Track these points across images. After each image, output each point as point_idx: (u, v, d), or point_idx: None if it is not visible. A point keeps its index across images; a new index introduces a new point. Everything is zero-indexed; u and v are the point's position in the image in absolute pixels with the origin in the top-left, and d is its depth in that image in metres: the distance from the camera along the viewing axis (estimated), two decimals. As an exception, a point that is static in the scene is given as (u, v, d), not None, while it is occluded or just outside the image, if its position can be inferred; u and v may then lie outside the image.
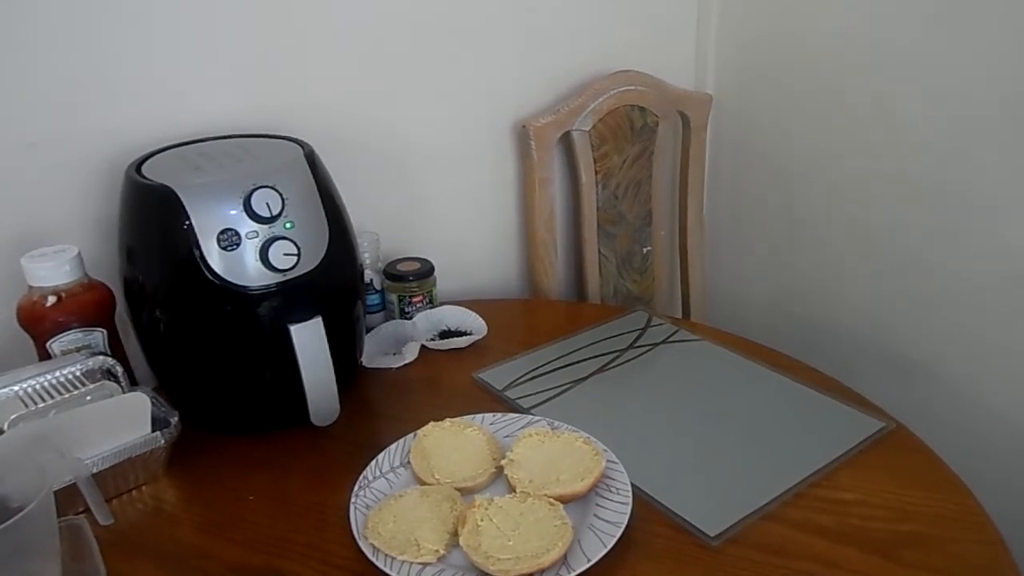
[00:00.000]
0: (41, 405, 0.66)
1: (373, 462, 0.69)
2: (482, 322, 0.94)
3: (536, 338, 0.92)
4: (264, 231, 0.68)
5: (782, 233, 1.22)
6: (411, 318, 0.95)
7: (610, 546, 0.58)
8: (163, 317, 0.71)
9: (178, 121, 0.83)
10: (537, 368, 0.86)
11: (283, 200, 0.69)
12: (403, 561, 0.58)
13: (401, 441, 0.71)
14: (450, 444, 0.70)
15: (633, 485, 0.65)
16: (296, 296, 0.70)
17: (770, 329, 1.25)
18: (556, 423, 0.73)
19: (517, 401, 0.80)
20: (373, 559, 0.58)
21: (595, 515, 0.62)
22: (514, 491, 0.64)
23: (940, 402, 1.02)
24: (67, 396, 0.67)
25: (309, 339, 0.69)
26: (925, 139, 0.98)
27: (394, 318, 0.97)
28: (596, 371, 0.85)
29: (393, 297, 0.96)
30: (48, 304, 0.72)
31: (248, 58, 0.87)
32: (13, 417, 0.64)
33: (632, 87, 1.13)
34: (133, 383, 0.74)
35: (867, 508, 0.64)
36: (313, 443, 0.74)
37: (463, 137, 1.07)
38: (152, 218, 0.69)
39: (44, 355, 0.73)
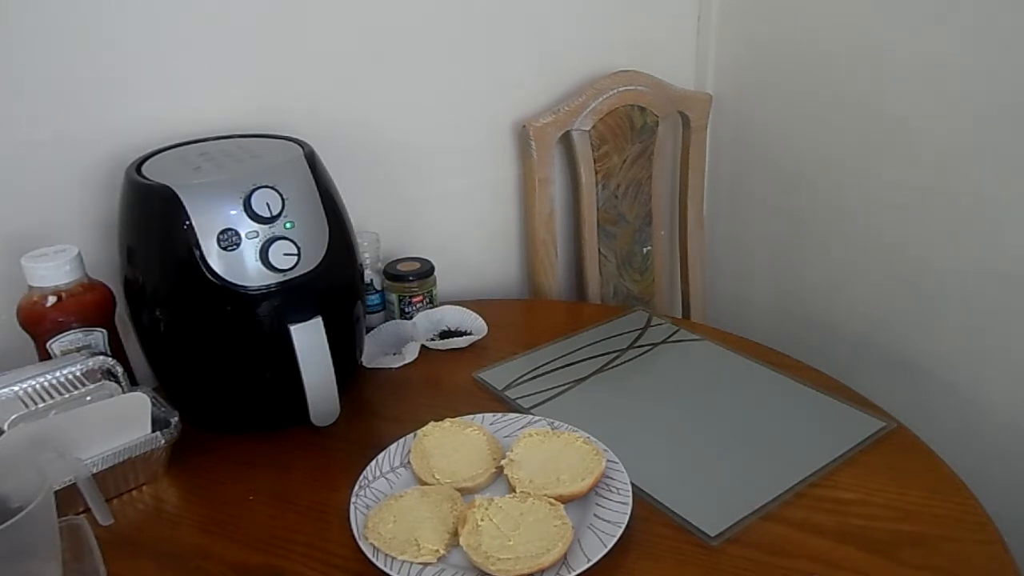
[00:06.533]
0: (41, 405, 0.66)
1: (373, 462, 0.69)
2: (482, 322, 0.94)
3: (536, 338, 0.92)
4: (264, 231, 0.68)
5: (782, 233, 1.22)
6: (411, 318, 0.95)
7: (610, 546, 0.58)
8: (163, 317, 0.71)
9: (178, 121, 0.84)
10: (537, 368, 0.86)
11: (283, 200, 0.69)
12: (403, 561, 0.58)
13: (401, 441, 0.71)
14: (450, 444, 0.70)
15: (633, 485, 0.65)
16: (296, 296, 0.70)
17: (770, 329, 1.25)
18: (556, 423, 0.73)
19: (517, 401, 0.80)
20: (373, 559, 0.58)
21: (595, 515, 0.62)
22: (514, 491, 0.64)
23: (940, 402, 1.02)
24: (67, 396, 0.67)
25: (309, 339, 0.69)
26: (925, 140, 0.98)
27: (394, 318, 0.97)
28: (596, 371, 0.85)
29: (393, 297, 0.96)
30: (48, 304, 0.72)
31: (248, 58, 0.87)
32: (13, 417, 0.64)
33: (632, 87, 1.13)
34: (133, 383, 0.74)
35: (867, 508, 0.64)
36: (313, 443, 0.74)
37: (463, 137, 1.07)
38: (152, 218, 0.69)
39: (44, 355, 0.73)
